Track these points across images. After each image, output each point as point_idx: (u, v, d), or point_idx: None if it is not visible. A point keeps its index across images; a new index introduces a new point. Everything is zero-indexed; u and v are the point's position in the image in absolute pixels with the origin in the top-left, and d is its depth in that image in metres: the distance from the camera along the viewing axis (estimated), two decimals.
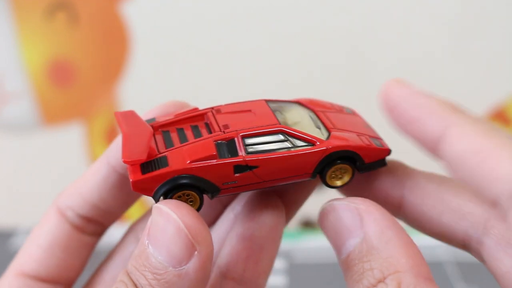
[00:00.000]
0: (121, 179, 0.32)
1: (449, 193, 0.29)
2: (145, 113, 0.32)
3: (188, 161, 0.28)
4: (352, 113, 0.33)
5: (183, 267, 0.26)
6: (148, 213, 0.34)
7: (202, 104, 0.33)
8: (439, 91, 0.68)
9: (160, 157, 0.28)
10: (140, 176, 0.27)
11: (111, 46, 0.70)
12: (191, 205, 0.28)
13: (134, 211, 0.35)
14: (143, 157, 0.27)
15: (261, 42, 0.68)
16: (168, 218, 0.26)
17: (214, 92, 0.70)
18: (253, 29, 0.68)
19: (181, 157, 0.28)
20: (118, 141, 0.31)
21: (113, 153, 0.31)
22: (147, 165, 0.28)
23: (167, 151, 0.28)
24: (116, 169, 0.32)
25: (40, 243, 0.32)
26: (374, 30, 0.67)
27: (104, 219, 0.33)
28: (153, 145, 0.29)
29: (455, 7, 0.66)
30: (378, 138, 0.31)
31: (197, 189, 0.28)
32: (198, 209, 0.29)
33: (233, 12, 0.68)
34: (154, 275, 0.26)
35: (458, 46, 0.67)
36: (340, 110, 0.33)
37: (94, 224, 0.33)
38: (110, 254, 0.34)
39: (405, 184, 0.30)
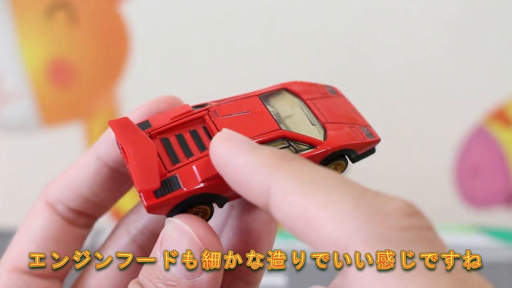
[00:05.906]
0: (112, 173, 0.32)
1: (316, 204, 0.23)
2: (136, 108, 0.31)
3: (200, 180, 0.28)
4: (337, 94, 0.34)
5: (196, 278, 0.27)
6: (138, 205, 0.34)
7: None
8: (440, 91, 0.68)
9: (170, 177, 0.28)
10: (155, 200, 0.27)
11: (111, 46, 0.70)
12: (201, 215, 0.29)
13: (126, 203, 0.35)
14: (157, 183, 0.27)
15: (262, 43, 0.68)
16: (182, 232, 0.27)
17: (214, 92, 0.70)
18: (253, 29, 0.68)
19: (192, 177, 0.28)
20: (106, 135, 0.31)
21: (102, 148, 0.31)
22: (160, 187, 0.28)
23: (175, 169, 0.28)
24: (106, 163, 0.32)
25: (32, 237, 0.32)
26: (374, 31, 0.67)
27: (95, 211, 0.33)
28: (159, 161, 0.29)
29: (455, 7, 0.66)
30: (367, 125, 0.32)
31: (208, 203, 0.29)
32: (208, 219, 0.29)
33: (233, 13, 0.68)
34: (168, 286, 0.27)
35: (458, 46, 0.67)
36: (325, 93, 0.34)
37: (85, 216, 0.33)
38: (102, 247, 0.34)
39: (274, 177, 0.24)
